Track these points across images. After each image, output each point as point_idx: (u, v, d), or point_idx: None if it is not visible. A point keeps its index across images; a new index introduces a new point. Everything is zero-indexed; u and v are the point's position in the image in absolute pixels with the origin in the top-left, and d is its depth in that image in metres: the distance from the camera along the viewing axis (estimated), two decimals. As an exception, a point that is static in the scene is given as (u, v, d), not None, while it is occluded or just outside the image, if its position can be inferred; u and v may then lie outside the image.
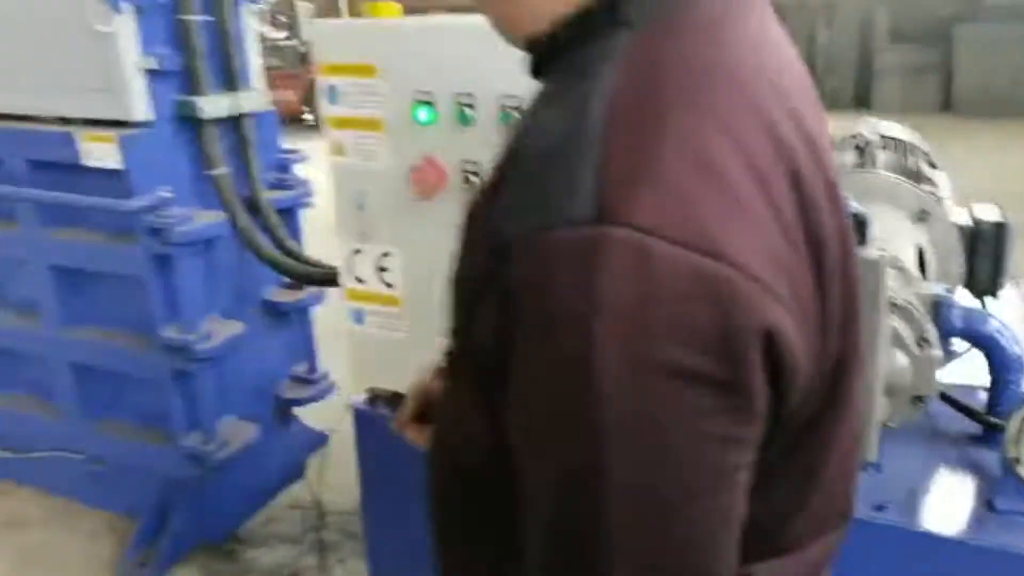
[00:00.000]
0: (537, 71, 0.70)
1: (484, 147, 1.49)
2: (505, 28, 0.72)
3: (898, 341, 1.23)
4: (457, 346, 0.71)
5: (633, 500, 0.54)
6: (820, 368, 0.62)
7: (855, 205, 1.10)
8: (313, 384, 2.86)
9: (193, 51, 2.22)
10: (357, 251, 1.72)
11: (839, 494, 0.76)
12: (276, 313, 2.74)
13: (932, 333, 1.25)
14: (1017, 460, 1.26)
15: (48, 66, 2.24)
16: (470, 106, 1.47)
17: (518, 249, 0.54)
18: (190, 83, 2.27)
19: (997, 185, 5.46)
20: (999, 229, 1.55)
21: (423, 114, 1.52)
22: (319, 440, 3.09)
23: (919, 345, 1.24)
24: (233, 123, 2.41)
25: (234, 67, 2.35)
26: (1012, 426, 1.26)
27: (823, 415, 0.66)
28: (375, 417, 1.85)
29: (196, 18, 2.21)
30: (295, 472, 2.99)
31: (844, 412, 0.69)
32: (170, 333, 2.34)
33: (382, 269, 1.71)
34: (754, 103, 0.59)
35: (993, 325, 1.39)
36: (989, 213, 1.60)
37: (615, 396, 0.52)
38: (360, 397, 1.88)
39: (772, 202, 0.56)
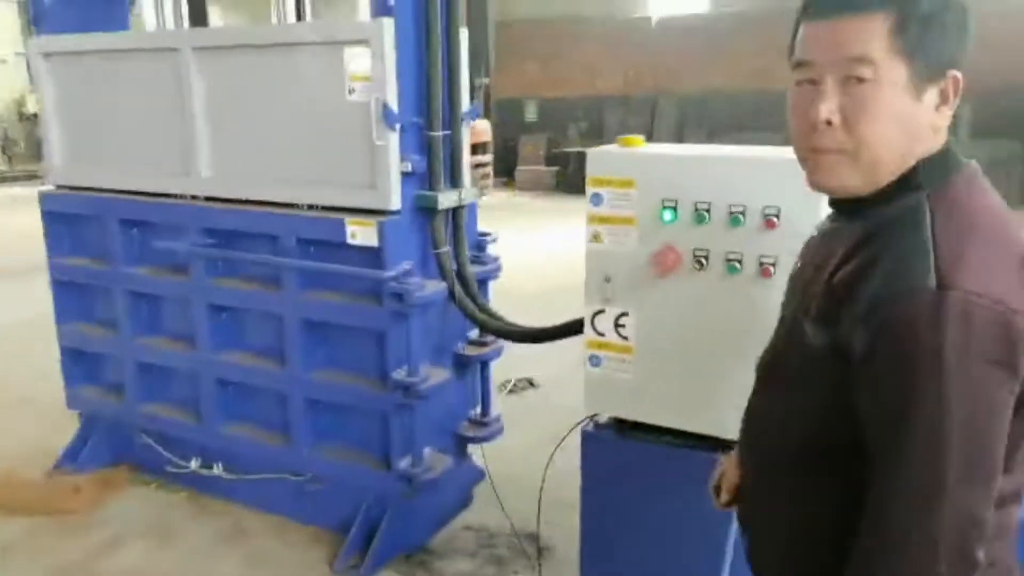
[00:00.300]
0: (835, 208, 1.31)
1: (714, 239, 2.12)
2: (858, 186, 1.27)
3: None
4: (800, 360, 1.30)
5: (962, 422, 1.09)
6: None
7: None
8: (487, 426, 3.44)
9: (436, 157, 2.91)
10: (600, 311, 2.33)
11: None
12: (464, 363, 3.35)
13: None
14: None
15: (328, 167, 2.94)
16: (707, 210, 2.10)
17: (888, 305, 1.12)
18: (430, 181, 2.94)
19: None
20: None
21: (667, 215, 2.15)
22: (480, 475, 3.65)
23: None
24: (452, 211, 3.07)
25: (459, 169, 3.03)
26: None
27: None
28: (599, 439, 2.44)
29: (440, 133, 2.89)
30: (466, 500, 3.55)
31: None
32: (400, 375, 2.95)
33: (619, 325, 2.32)
34: (1008, 232, 1.19)
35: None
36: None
37: (954, 374, 1.08)
38: (587, 424, 2.46)
39: None
